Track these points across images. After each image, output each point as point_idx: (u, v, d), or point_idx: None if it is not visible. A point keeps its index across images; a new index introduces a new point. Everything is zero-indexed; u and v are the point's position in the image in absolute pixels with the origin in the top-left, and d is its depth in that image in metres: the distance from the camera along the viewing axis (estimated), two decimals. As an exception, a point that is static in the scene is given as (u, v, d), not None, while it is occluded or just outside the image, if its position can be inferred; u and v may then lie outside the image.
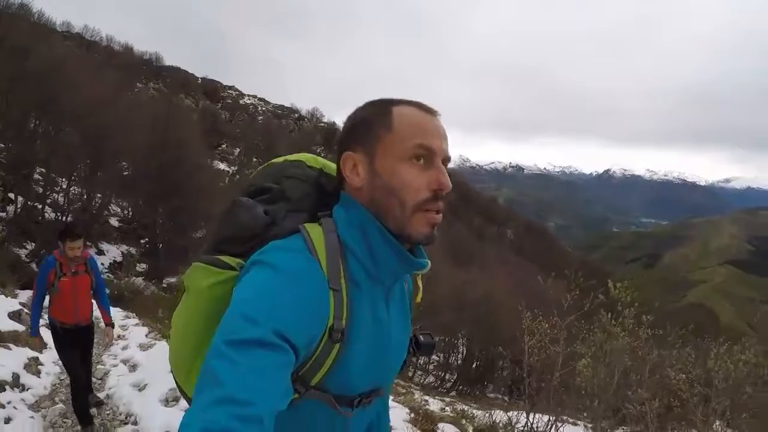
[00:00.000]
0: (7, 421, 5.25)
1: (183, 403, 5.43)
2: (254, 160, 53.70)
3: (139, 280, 19.73)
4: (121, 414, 5.75)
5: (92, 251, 21.69)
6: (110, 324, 5.42)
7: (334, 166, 1.29)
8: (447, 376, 28.17)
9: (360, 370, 1.14)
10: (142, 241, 25.29)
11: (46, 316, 5.26)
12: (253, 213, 1.18)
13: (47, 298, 4.99)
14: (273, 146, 56.34)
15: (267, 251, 1.09)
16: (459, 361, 29.85)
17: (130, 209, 28.11)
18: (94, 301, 5.25)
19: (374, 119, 1.17)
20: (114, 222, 26.47)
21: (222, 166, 49.52)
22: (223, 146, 57.18)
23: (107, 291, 5.58)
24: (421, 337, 1.39)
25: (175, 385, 4.65)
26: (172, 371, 1.22)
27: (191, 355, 1.14)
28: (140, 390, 6.24)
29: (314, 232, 1.14)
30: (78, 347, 5.14)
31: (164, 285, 20.10)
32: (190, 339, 1.14)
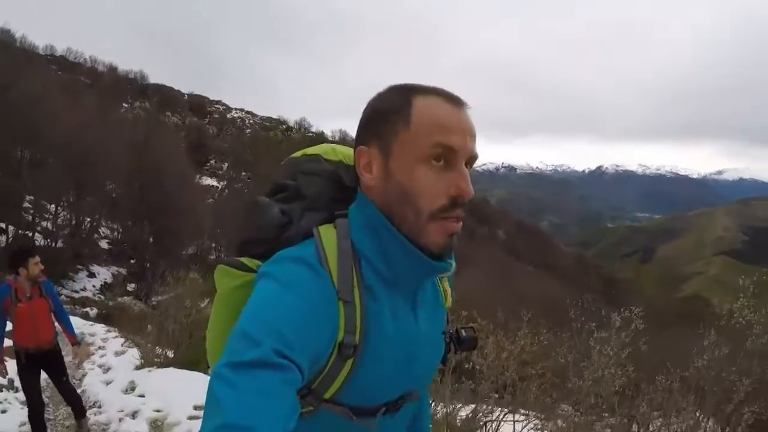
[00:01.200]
0: (4, 411, 6.23)
1: (138, 390, 6.76)
2: (243, 174, 54.34)
3: (128, 299, 20.47)
4: (90, 401, 6.73)
5: (84, 274, 22.48)
6: (76, 343, 5.47)
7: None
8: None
9: (381, 382, 1.09)
10: (131, 261, 25.97)
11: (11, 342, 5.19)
12: (269, 213, 1.15)
13: (9, 324, 5.00)
14: (260, 159, 57.12)
15: (274, 261, 1.04)
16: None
17: (119, 231, 28.77)
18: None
19: (392, 111, 1.06)
20: (104, 244, 27.12)
21: (211, 181, 50.16)
22: (212, 162, 57.85)
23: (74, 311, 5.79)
24: (463, 332, 1.32)
25: (131, 378, 5.65)
26: (208, 360, 1.25)
27: (221, 349, 1.07)
28: (107, 385, 7.31)
29: (327, 236, 1.08)
30: (43, 372, 5.28)
31: (153, 302, 20.81)
32: (219, 334, 1.14)
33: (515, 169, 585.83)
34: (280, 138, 73.44)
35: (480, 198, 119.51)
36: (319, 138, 76.81)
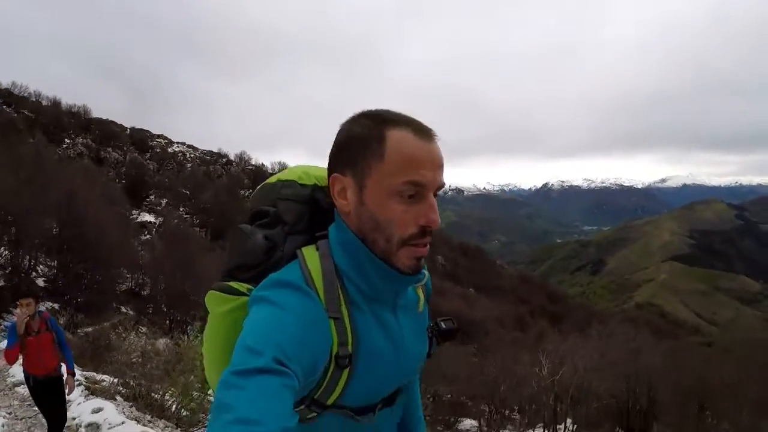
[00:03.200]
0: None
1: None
2: (181, 209, 55.92)
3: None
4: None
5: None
6: (71, 373, 5.92)
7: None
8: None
9: (377, 383, 1.19)
10: (65, 297, 27.75)
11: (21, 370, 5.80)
12: (254, 240, 1.23)
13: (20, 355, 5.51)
14: (199, 194, 58.85)
15: (266, 286, 1.12)
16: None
17: (56, 268, 30.38)
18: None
19: (366, 142, 1.13)
20: (40, 282, 28.82)
21: (149, 217, 51.40)
22: (151, 198, 58.93)
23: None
24: (443, 324, 1.41)
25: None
26: (207, 381, 1.40)
27: (218, 369, 1.19)
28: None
29: (311, 257, 1.18)
30: (51, 397, 5.78)
31: (81, 333, 22.81)
32: (215, 355, 1.23)
33: (463, 191, 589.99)
34: (219, 172, 75.06)
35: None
36: (259, 171, 78.59)
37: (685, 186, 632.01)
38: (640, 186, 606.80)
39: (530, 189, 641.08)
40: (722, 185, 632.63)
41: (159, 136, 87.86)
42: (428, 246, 1.16)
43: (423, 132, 1.13)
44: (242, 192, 66.95)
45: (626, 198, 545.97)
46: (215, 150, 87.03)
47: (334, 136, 1.20)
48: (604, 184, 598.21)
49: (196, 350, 8.44)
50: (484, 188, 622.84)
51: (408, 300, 1.32)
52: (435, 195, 1.14)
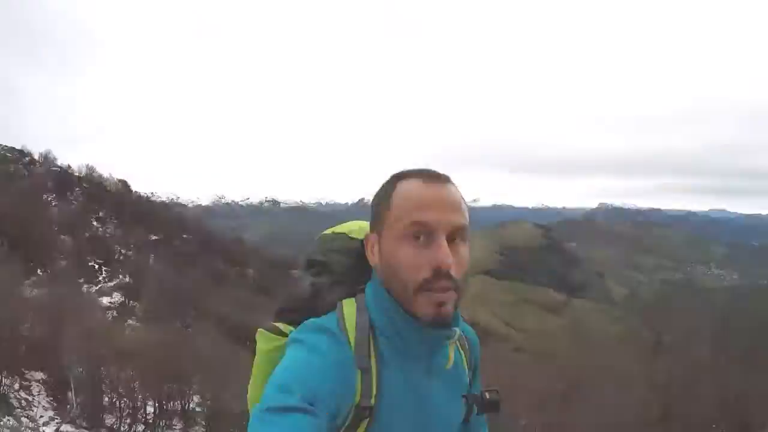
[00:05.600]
0: None
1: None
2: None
3: None
4: None
5: None
6: None
7: None
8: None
9: None
10: None
11: None
12: (300, 285, 1.34)
13: None
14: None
15: (302, 330, 1.19)
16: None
17: None
18: None
19: (381, 198, 1.23)
20: None
21: None
22: None
23: None
24: (487, 395, 1.37)
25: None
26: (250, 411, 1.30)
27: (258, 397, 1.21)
28: None
29: (348, 309, 1.24)
30: None
31: None
32: (258, 388, 1.25)
33: (279, 203, 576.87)
34: (21, 173, 69.91)
35: (233, 239, 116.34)
36: (65, 173, 73.59)
37: (495, 206, 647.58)
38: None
39: (347, 203, 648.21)
40: (530, 207, 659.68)
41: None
42: (450, 291, 1.15)
43: (431, 177, 1.21)
44: (46, 197, 63.09)
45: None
46: (18, 147, 79.59)
47: None
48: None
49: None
50: (301, 201, 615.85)
51: (444, 360, 1.32)
52: (455, 238, 1.17)
